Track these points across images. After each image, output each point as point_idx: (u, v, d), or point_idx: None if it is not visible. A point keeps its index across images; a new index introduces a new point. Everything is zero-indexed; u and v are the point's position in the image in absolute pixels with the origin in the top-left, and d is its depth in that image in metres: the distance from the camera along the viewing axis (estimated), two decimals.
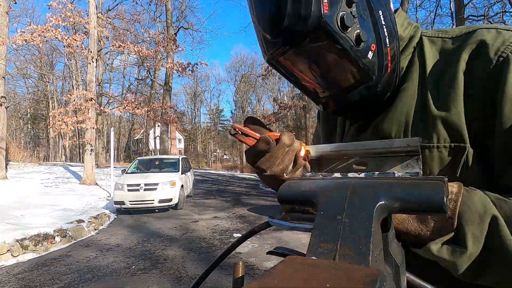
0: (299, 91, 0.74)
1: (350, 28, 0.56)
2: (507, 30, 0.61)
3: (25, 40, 12.19)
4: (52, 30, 12.56)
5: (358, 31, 0.57)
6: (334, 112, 0.74)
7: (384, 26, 0.61)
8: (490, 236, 0.46)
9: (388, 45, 0.62)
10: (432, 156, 0.61)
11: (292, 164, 0.59)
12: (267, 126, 0.65)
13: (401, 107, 0.66)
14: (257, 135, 0.60)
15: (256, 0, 0.59)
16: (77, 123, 13.02)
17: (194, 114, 53.61)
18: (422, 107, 0.63)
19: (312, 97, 0.71)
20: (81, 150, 34.34)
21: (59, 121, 12.87)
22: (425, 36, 0.70)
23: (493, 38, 0.60)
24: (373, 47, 0.60)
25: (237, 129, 0.61)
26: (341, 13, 0.55)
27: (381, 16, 0.61)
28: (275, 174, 0.58)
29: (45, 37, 12.52)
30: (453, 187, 0.48)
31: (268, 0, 0.57)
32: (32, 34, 12.17)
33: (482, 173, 0.58)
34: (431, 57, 0.66)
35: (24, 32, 12.26)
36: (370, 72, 0.61)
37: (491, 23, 15.10)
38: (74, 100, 13.47)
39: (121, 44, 14.56)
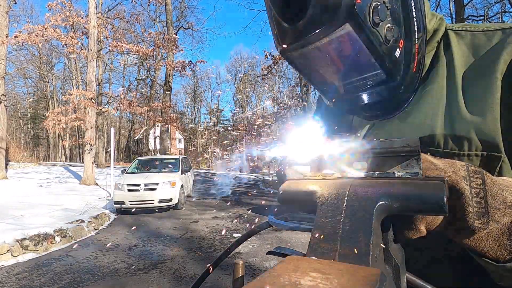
0: (311, 86, 0.68)
1: (381, 23, 0.50)
2: None
3: (24, 39, 12.16)
4: (50, 30, 12.55)
5: (390, 25, 0.51)
6: (348, 111, 0.68)
7: (415, 19, 0.55)
8: None
9: (416, 42, 0.56)
10: None
11: None
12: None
13: (426, 109, 0.59)
14: None
15: None
16: (72, 121, 12.99)
17: (194, 114, 53.62)
18: (451, 110, 0.56)
19: (326, 94, 0.64)
20: (81, 150, 34.33)
21: (52, 119, 12.87)
22: (451, 29, 0.63)
23: None
24: (401, 43, 0.54)
25: None
26: (374, 3, 0.48)
27: (413, 7, 0.55)
28: None
29: (43, 36, 12.50)
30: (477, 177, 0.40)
31: None
32: (30, 35, 12.15)
33: None
34: (459, 53, 0.59)
35: (21, 32, 12.24)
36: (395, 71, 0.55)
37: (490, 23, 15.11)
38: (73, 101, 13.47)
39: (121, 44, 14.56)
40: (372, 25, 0.49)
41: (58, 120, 12.80)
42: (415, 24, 0.55)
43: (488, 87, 0.53)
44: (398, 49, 0.53)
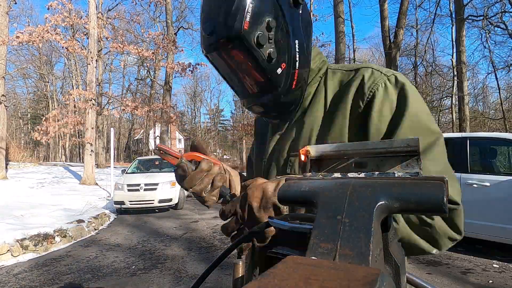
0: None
1: (264, 46, 0.70)
2: (378, 70, 0.76)
3: (24, 41, 12.17)
4: (50, 32, 12.55)
5: (271, 50, 0.71)
6: (254, 112, 0.87)
7: (298, 53, 0.76)
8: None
9: (296, 68, 0.77)
10: None
11: (210, 185, 0.76)
12: (206, 150, 0.80)
13: (308, 124, 0.81)
14: (178, 154, 0.73)
15: (203, 4, 0.74)
16: (61, 128, 12.98)
17: (194, 114, 53.63)
18: (323, 127, 0.78)
19: (237, 94, 0.85)
20: (81, 150, 34.34)
21: (43, 122, 12.92)
22: (330, 69, 0.85)
23: (368, 77, 0.75)
24: (283, 65, 0.74)
25: (161, 150, 0.73)
26: (258, 33, 0.69)
27: (297, 45, 0.76)
28: (195, 192, 0.76)
29: (43, 37, 12.50)
30: None
31: (209, 6, 0.72)
32: (30, 35, 12.15)
33: None
34: (331, 86, 0.82)
35: (22, 33, 12.24)
36: (277, 84, 0.75)
37: (490, 23, 15.10)
38: (73, 100, 13.47)
39: (120, 45, 14.55)
40: (256, 45, 0.69)
41: (57, 124, 12.80)
42: (297, 56, 0.76)
43: (343, 110, 0.75)
44: (280, 68, 0.74)
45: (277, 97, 0.77)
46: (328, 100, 0.80)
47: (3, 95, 11.88)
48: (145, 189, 9.17)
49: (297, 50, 0.76)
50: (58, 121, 13.41)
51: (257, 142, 1.05)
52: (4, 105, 12.10)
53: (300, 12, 0.76)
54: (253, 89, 0.79)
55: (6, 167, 12.68)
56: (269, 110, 0.82)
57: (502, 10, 14.42)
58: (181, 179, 0.76)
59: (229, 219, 0.64)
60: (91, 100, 12.99)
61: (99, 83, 22.44)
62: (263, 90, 0.77)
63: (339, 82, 0.81)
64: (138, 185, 9.18)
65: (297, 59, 0.76)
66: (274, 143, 0.88)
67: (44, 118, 14.09)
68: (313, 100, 0.83)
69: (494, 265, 4.42)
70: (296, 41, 0.76)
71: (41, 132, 12.85)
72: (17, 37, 12.01)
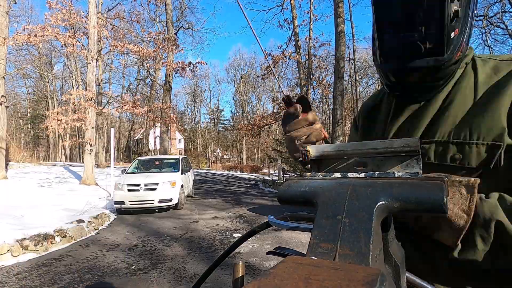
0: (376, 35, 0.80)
1: (454, 1, 0.68)
2: None
3: (24, 40, 12.17)
4: (49, 29, 12.56)
5: (457, 8, 0.68)
6: (392, 68, 0.79)
7: (468, 27, 0.73)
8: (497, 236, 0.56)
9: (464, 40, 0.72)
10: (471, 151, 0.68)
11: (306, 136, 0.75)
12: (311, 107, 0.80)
13: (453, 109, 0.73)
14: (297, 105, 0.75)
15: None
16: (73, 121, 12.97)
17: (194, 114, 53.63)
18: (472, 115, 0.70)
19: (388, 51, 0.77)
20: (81, 150, 34.34)
21: (54, 119, 12.86)
22: (477, 57, 0.79)
23: None
24: (456, 31, 0.70)
25: (285, 98, 0.76)
26: None
27: (470, 17, 0.73)
28: (291, 136, 0.77)
29: (42, 36, 12.50)
30: (470, 179, 0.55)
31: None
32: (28, 37, 12.15)
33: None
34: (482, 73, 0.74)
35: (20, 33, 12.25)
36: (446, 47, 0.70)
37: (491, 23, 15.09)
38: (73, 101, 13.47)
39: (122, 44, 14.56)
40: None
41: (59, 120, 12.78)
42: (468, 28, 0.72)
43: (501, 97, 0.68)
44: (453, 32, 0.70)
45: (438, 63, 0.71)
46: (479, 88, 0.73)
47: (3, 96, 11.87)
48: (145, 189, 9.17)
49: (469, 22, 0.72)
50: (68, 114, 13.48)
51: (363, 130, 0.96)
52: (4, 105, 12.10)
53: None
54: (419, 45, 0.71)
55: (6, 167, 12.67)
56: (423, 77, 0.75)
57: (502, 10, 14.42)
58: (286, 120, 0.77)
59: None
60: (91, 99, 12.99)
61: (99, 83, 22.44)
62: (429, 51, 0.71)
63: (492, 70, 0.74)
64: (138, 185, 9.18)
65: (468, 30, 0.72)
66: (398, 125, 0.81)
67: (49, 112, 14.08)
68: (457, 85, 0.76)
69: None
70: (470, 15, 0.72)
71: (55, 121, 12.85)
72: (14, 38, 12.01)
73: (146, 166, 11.19)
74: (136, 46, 15.68)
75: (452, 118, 0.72)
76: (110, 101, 23.40)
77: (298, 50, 17.57)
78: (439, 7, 0.67)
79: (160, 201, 9.17)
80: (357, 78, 20.72)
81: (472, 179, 0.56)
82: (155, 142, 37.18)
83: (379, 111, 0.91)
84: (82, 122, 12.82)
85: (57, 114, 13.25)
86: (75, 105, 13.25)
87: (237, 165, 41.69)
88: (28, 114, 40.51)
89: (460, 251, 0.58)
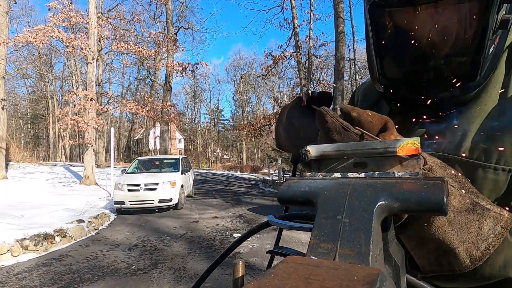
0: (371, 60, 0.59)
1: (503, 7, 0.47)
2: None
3: (29, 41, 12.21)
4: (56, 31, 12.61)
5: (508, 15, 0.47)
6: (393, 99, 0.61)
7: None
8: None
9: (504, 48, 0.52)
10: (485, 177, 0.50)
11: None
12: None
13: (475, 112, 0.54)
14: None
15: None
16: (86, 122, 12.98)
17: (194, 114, 53.65)
18: (490, 121, 0.51)
19: (386, 72, 0.58)
20: (81, 150, 34.32)
21: (71, 119, 12.90)
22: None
23: None
24: (496, 41, 0.50)
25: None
26: None
27: None
28: None
29: (51, 36, 12.56)
30: (504, 216, 0.41)
31: None
32: (36, 35, 12.18)
33: None
34: None
35: (29, 31, 12.28)
36: (480, 69, 0.50)
37: None
38: (75, 101, 13.47)
39: (122, 45, 14.56)
40: (498, 6, 0.45)
41: (76, 121, 12.83)
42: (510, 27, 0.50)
43: None
44: (493, 45, 0.49)
45: (468, 90, 0.52)
46: (510, 88, 0.53)
47: (3, 99, 11.87)
48: (145, 189, 9.18)
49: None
50: (76, 114, 13.53)
51: None
52: (5, 107, 12.10)
53: None
54: (438, 71, 0.52)
55: (6, 167, 12.67)
56: (433, 108, 0.55)
57: None
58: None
59: None
60: (91, 99, 12.99)
61: (99, 83, 22.44)
62: (453, 78, 0.51)
63: None
64: (138, 185, 9.19)
65: (508, 32, 0.52)
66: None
67: (59, 115, 14.16)
68: (486, 83, 0.56)
69: None
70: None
71: (72, 121, 12.92)
72: (14, 39, 12.04)
73: (146, 166, 11.19)
74: (137, 46, 15.69)
75: (462, 129, 0.53)
76: (110, 101, 23.41)
77: (298, 50, 17.57)
78: (479, 21, 0.46)
79: (160, 201, 9.17)
80: (357, 78, 20.74)
81: (507, 214, 0.41)
82: (155, 142, 37.18)
83: (381, 108, 0.73)
84: (90, 125, 12.79)
85: (68, 113, 13.30)
86: (79, 105, 13.23)
87: (237, 165, 41.69)
88: (28, 114, 40.51)
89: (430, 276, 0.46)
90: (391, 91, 0.59)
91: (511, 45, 0.56)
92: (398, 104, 0.61)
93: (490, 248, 0.40)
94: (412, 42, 0.52)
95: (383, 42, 0.55)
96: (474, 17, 0.46)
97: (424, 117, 0.58)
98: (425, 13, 0.49)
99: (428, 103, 0.55)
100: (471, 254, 0.40)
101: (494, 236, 0.40)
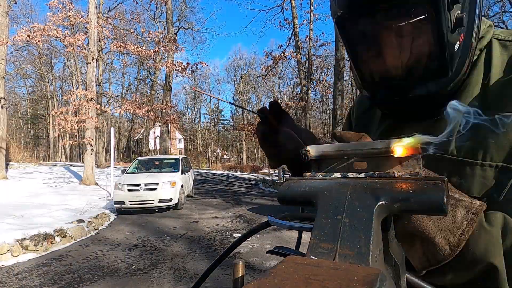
0: (355, 71, 0.61)
1: (455, 6, 0.49)
2: None
3: (28, 36, 12.19)
4: (54, 30, 12.61)
5: (460, 13, 0.50)
6: (380, 104, 0.63)
7: (478, 16, 0.52)
8: (484, 282, 0.45)
9: (473, 41, 0.53)
10: (473, 174, 0.51)
11: None
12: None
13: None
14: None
15: None
16: (79, 123, 12.98)
17: (194, 114, 53.65)
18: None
19: (365, 79, 0.60)
20: (81, 150, 34.33)
21: (62, 119, 12.88)
22: (497, 38, 0.58)
23: None
24: (461, 37, 0.52)
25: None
26: None
27: (477, 3, 0.52)
28: None
29: (48, 35, 12.56)
30: (475, 203, 0.44)
31: None
32: (33, 33, 12.18)
33: None
34: (499, 65, 0.55)
35: (28, 29, 12.29)
36: (450, 65, 0.52)
37: None
38: (74, 100, 13.48)
39: (121, 44, 14.56)
40: (448, 6, 0.47)
41: (66, 120, 12.81)
42: (477, 21, 0.52)
43: None
44: (458, 42, 0.51)
45: (443, 86, 0.54)
46: (490, 87, 0.54)
47: (3, 98, 11.87)
48: (145, 189, 9.18)
49: (477, 11, 0.53)
50: (76, 115, 13.54)
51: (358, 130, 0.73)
52: (5, 107, 12.10)
53: None
54: (410, 72, 0.54)
55: (6, 167, 12.67)
56: (424, 103, 0.57)
57: (502, 10, 14.43)
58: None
59: None
60: (91, 99, 13.00)
61: (99, 83, 22.44)
62: (426, 75, 0.53)
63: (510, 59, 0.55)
64: (138, 185, 9.19)
65: (476, 24, 0.53)
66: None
67: (53, 113, 14.18)
68: (465, 84, 0.57)
69: None
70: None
71: (63, 121, 12.92)
72: (14, 38, 12.04)
73: (146, 166, 11.20)
74: (137, 46, 15.70)
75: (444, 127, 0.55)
76: (110, 101, 23.41)
77: (298, 50, 17.57)
78: (433, 22, 0.49)
79: (160, 201, 9.18)
80: None
81: (478, 202, 0.44)
82: (155, 142, 37.20)
83: (375, 112, 0.75)
84: (85, 123, 12.80)
85: (62, 113, 13.27)
86: (76, 105, 13.23)
87: (237, 165, 41.69)
88: (28, 114, 40.51)
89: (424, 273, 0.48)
90: (377, 96, 0.61)
91: (488, 46, 0.58)
92: (388, 108, 0.64)
93: (465, 234, 0.43)
94: (378, 51, 0.55)
95: (355, 52, 0.58)
96: (430, 19, 0.49)
97: (413, 118, 0.61)
98: (382, 23, 0.52)
99: (411, 104, 0.58)
100: (449, 240, 0.43)
101: (468, 222, 0.43)
